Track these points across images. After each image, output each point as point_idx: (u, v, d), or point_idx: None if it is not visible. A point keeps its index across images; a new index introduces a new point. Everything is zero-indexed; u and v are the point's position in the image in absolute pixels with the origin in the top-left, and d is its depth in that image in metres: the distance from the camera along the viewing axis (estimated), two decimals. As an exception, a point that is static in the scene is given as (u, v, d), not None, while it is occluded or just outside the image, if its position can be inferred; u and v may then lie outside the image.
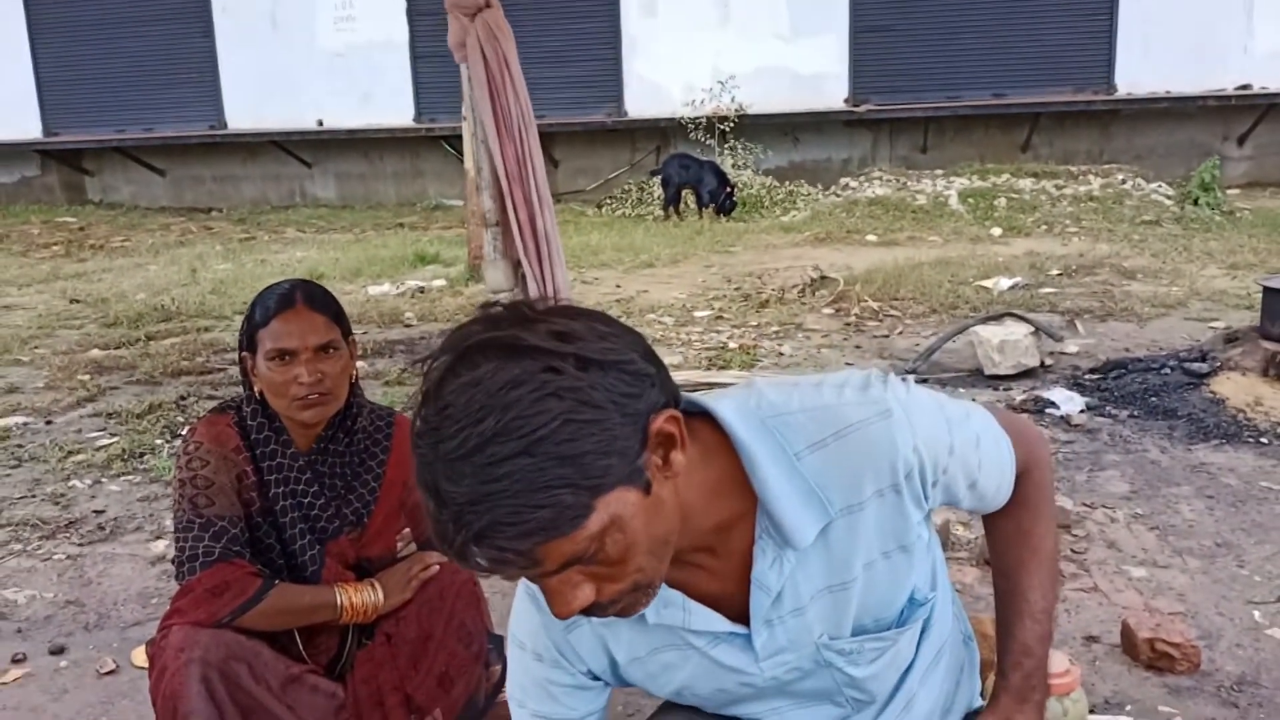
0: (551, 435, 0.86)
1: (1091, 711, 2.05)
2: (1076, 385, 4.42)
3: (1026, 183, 10.06)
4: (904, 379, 1.13)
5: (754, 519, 1.08)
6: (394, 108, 12.54)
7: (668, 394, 0.97)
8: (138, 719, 2.33)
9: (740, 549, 1.09)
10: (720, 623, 1.11)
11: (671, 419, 0.95)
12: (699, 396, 1.08)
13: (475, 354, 0.89)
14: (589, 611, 0.98)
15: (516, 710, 1.23)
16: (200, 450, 1.87)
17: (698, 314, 6.20)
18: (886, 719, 1.20)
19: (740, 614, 1.11)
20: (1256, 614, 2.58)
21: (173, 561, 1.84)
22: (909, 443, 1.06)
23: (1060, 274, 6.83)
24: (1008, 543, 1.28)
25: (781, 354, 5.28)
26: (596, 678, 1.20)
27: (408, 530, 2.05)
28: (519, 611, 1.20)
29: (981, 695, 1.38)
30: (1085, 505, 3.23)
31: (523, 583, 1.18)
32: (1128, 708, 2.20)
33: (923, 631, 1.21)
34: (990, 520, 1.30)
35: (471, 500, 0.86)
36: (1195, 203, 9.16)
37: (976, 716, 1.25)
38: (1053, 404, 4.13)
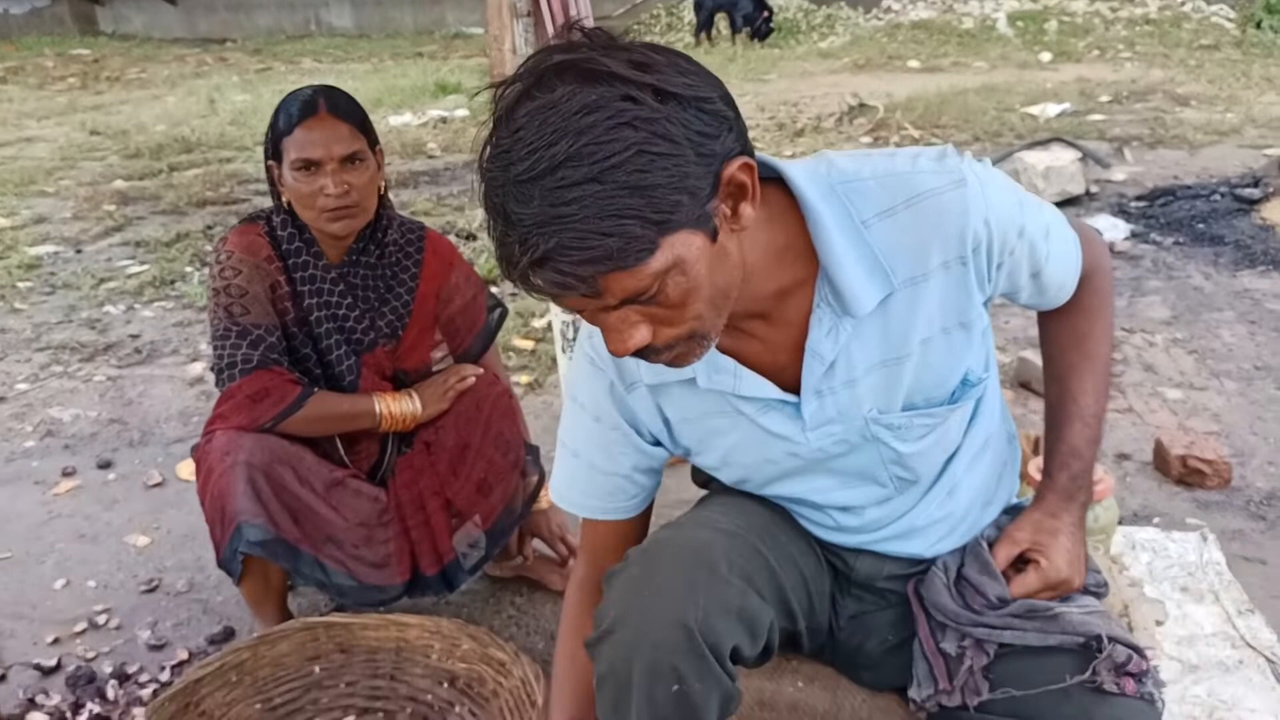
0: (624, 164, 0.83)
1: (1120, 523, 2.07)
2: (1122, 213, 4.29)
3: (1080, 4, 9.54)
4: (981, 159, 1.09)
5: (813, 287, 1.06)
6: (410, -73, 11.96)
7: (742, 143, 0.94)
8: (187, 527, 2.41)
9: (797, 319, 1.08)
10: (770, 389, 1.11)
11: (745, 167, 0.93)
12: (770, 158, 1.04)
13: (552, 77, 0.86)
14: (643, 354, 0.97)
15: (570, 459, 1.25)
16: (232, 259, 1.85)
17: (729, 143, 6.02)
18: (929, 503, 1.21)
19: (792, 385, 1.11)
20: (1292, 434, 2.57)
21: (212, 369, 1.85)
22: (980, 214, 1.03)
23: (1111, 100, 6.55)
24: (1062, 347, 1.26)
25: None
26: (653, 441, 1.22)
27: (443, 346, 2.04)
28: (579, 373, 1.22)
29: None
30: (1124, 330, 3.18)
31: (582, 347, 1.20)
32: (1155, 520, 2.22)
33: (971, 418, 1.19)
34: (1046, 323, 1.28)
35: (539, 222, 0.84)
36: (1258, 26, 8.67)
37: (1018, 513, 1.25)
38: (1096, 231, 4.02)
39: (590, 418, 1.21)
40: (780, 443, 1.14)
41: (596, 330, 1.15)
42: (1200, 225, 4.04)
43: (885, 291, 1.05)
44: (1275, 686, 1.68)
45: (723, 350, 1.10)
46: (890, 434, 1.12)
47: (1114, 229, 4.03)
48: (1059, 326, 1.27)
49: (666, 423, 1.20)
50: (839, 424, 1.12)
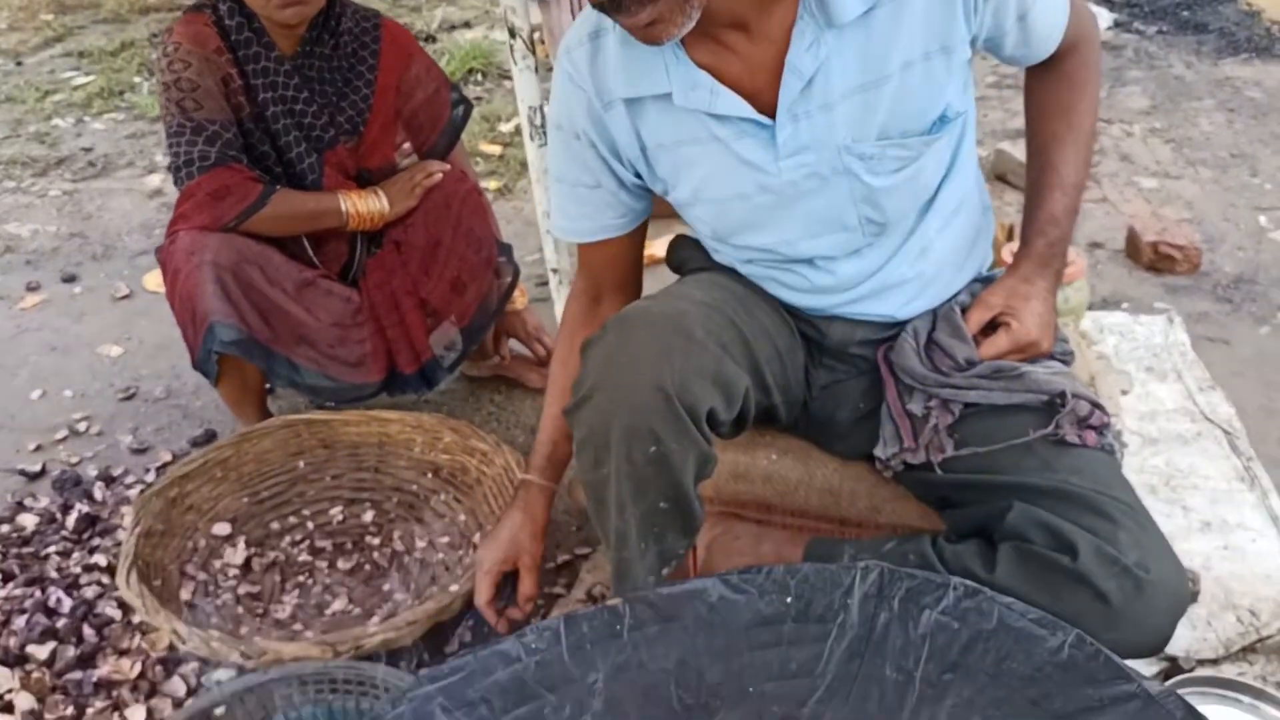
0: None
1: (1089, 309, 2.10)
2: (1105, 1, 4.15)
3: None
4: None
5: (798, 2, 1.05)
6: None
7: None
8: (159, 336, 2.40)
9: (778, 36, 1.07)
10: (745, 108, 1.11)
11: None
12: None
13: None
14: (622, 7, 0.97)
15: (557, 186, 1.29)
16: (180, 51, 1.75)
17: None
18: (901, 260, 1.21)
19: (769, 110, 1.11)
20: (1262, 219, 2.58)
21: (169, 169, 1.79)
22: None
23: (1099, -117, 6.21)
24: (1046, 117, 1.25)
25: None
26: (634, 173, 1.23)
27: (408, 145, 1.97)
28: (558, 95, 1.22)
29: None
30: (1103, 120, 3.13)
31: (561, 66, 1.20)
32: (1124, 304, 2.25)
33: (946, 173, 1.18)
34: (1033, 91, 1.27)
35: None
36: None
37: (991, 281, 1.26)
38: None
39: (570, 135, 1.22)
40: (752, 173, 1.14)
41: (575, 45, 1.16)
42: (1184, 13, 3.93)
43: (870, 2, 1.03)
44: (1229, 455, 1.75)
45: (701, 66, 1.10)
46: (862, 165, 1.12)
47: (1097, 18, 3.90)
48: (1045, 96, 1.25)
49: (644, 150, 1.19)
50: (812, 153, 1.11)
